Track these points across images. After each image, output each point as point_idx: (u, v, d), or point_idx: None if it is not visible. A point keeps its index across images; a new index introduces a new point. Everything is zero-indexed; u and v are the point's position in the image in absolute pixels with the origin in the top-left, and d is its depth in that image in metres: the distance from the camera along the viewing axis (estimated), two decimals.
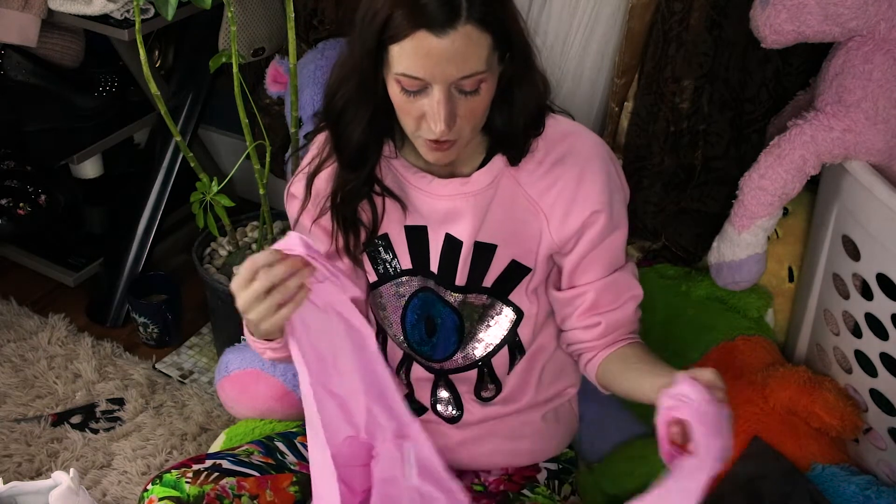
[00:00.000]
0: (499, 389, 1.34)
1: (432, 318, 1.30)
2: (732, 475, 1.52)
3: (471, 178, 1.22)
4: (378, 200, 1.25)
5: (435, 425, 1.37)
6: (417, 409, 1.36)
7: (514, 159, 1.21)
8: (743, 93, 1.71)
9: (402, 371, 1.36)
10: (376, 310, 1.34)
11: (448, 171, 1.23)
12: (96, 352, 2.02)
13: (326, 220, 1.27)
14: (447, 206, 1.22)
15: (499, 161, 1.22)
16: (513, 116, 1.18)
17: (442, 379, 1.34)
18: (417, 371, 1.35)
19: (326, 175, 1.26)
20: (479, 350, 1.31)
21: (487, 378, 1.34)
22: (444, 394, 1.35)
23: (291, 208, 1.31)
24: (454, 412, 1.36)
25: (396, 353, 1.35)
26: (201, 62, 1.94)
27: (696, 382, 1.00)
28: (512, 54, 1.13)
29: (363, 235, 1.27)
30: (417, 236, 1.26)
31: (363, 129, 1.17)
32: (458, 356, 1.32)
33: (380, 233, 1.27)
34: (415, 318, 1.31)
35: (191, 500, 1.21)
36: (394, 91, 1.11)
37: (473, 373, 1.33)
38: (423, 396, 1.37)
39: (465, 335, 1.30)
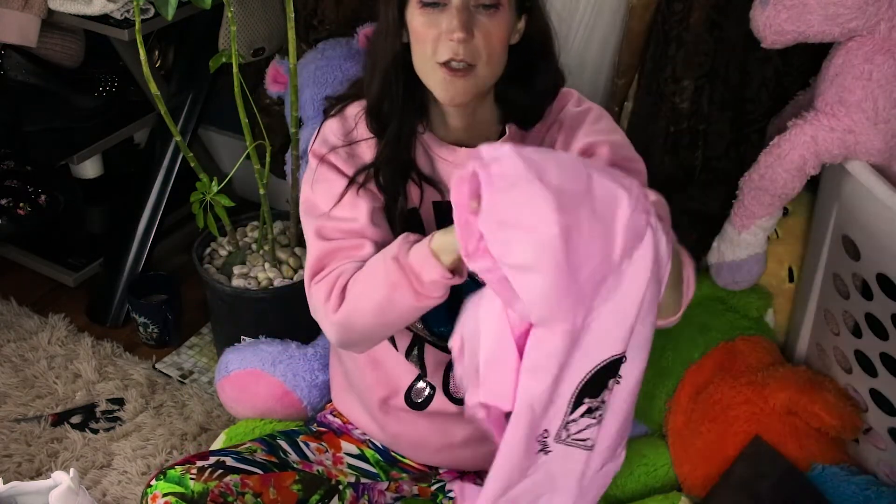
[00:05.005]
0: None
1: (459, 295, 1.29)
2: (732, 475, 1.52)
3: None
4: (413, 184, 1.28)
5: (441, 422, 1.36)
6: (429, 393, 1.35)
7: (527, 123, 1.27)
8: (743, 93, 1.71)
9: (412, 354, 1.34)
10: None
11: (471, 143, 1.25)
12: (96, 352, 2.02)
13: (371, 182, 1.28)
14: None
15: (514, 130, 1.27)
16: (528, 87, 1.25)
17: None
18: (431, 353, 1.34)
19: (368, 146, 1.28)
20: None
21: None
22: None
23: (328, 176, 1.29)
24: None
25: (405, 337, 1.34)
26: (201, 62, 1.94)
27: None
28: (530, 15, 1.21)
29: (400, 206, 1.28)
30: (444, 211, 1.27)
31: (400, 92, 1.22)
32: None
33: (409, 206, 1.28)
34: None
35: (195, 497, 1.21)
36: (415, 20, 1.17)
37: None
38: (436, 378, 1.35)
39: None
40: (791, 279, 1.73)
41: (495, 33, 1.16)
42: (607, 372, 1.00)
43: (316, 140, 1.30)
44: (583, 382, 1.00)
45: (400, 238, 1.17)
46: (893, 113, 1.44)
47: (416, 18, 1.16)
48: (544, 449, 1.04)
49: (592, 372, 0.99)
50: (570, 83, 1.80)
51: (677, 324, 1.70)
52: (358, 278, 1.19)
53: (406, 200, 1.27)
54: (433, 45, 1.15)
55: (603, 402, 1.02)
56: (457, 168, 1.24)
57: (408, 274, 1.12)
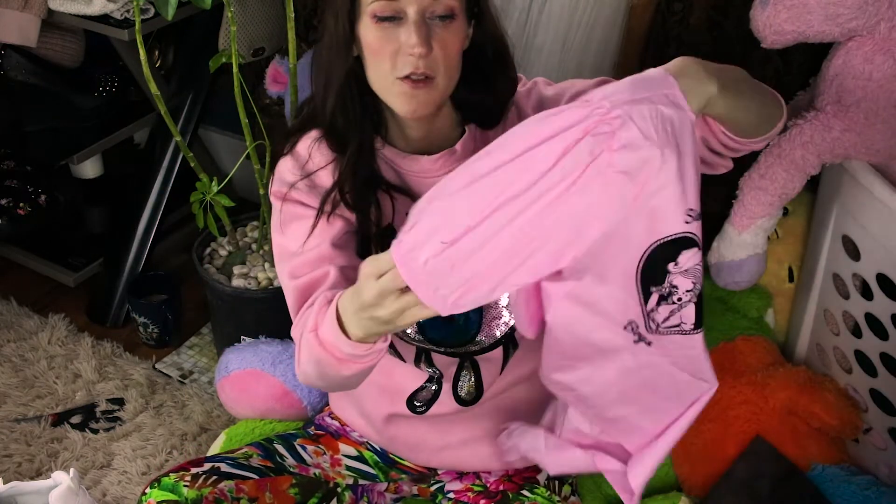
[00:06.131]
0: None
1: None
2: (732, 475, 1.52)
3: (457, 148, 1.23)
4: (385, 199, 1.25)
5: (439, 424, 1.36)
6: (433, 396, 1.34)
7: (489, 124, 1.25)
8: None
9: (421, 361, 1.33)
10: None
11: (434, 150, 1.24)
12: (96, 352, 2.02)
13: (340, 209, 1.25)
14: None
15: (474, 130, 1.26)
16: (486, 89, 1.23)
17: (467, 360, 1.33)
18: (438, 359, 1.33)
19: (326, 173, 1.26)
20: (501, 327, 1.30)
21: (512, 350, 1.32)
22: (465, 374, 1.34)
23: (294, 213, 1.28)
24: (474, 393, 1.34)
25: (409, 349, 1.33)
26: (201, 62, 1.94)
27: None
28: (479, 21, 1.20)
29: (375, 221, 1.26)
30: None
31: (357, 107, 1.21)
32: (481, 336, 1.30)
33: (384, 223, 1.26)
34: None
35: None
36: (369, 34, 1.14)
37: (499, 351, 1.31)
38: (447, 380, 1.34)
39: (485, 313, 1.29)
40: (791, 279, 1.73)
41: (451, 44, 1.15)
42: (662, 258, 0.99)
43: (274, 182, 1.28)
44: (639, 272, 0.99)
45: (318, 301, 1.13)
46: (893, 113, 1.44)
47: (371, 33, 1.14)
48: (642, 339, 1.02)
49: (642, 260, 0.98)
50: None
51: None
52: (301, 341, 1.16)
53: (381, 215, 1.25)
54: (391, 60, 1.13)
55: (673, 286, 1.00)
56: (423, 176, 1.24)
57: (327, 348, 1.08)
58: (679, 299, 1.01)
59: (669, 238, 0.98)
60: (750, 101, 1.13)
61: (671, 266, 1.00)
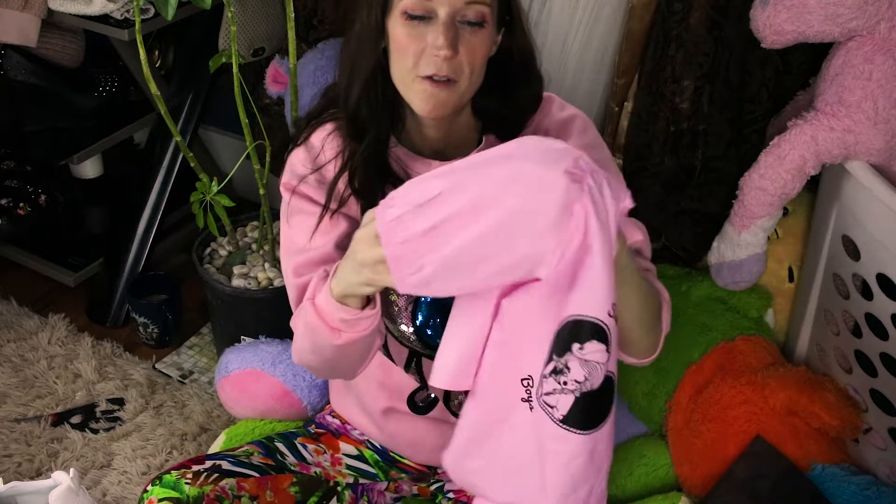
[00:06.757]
0: None
1: (449, 306, 1.28)
2: (732, 475, 1.52)
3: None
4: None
5: (440, 424, 1.36)
6: (434, 398, 1.35)
7: (507, 135, 1.23)
8: (743, 93, 1.71)
9: (411, 367, 1.33)
10: (383, 307, 1.33)
11: (449, 155, 1.24)
12: (96, 352, 2.02)
13: (346, 207, 1.26)
14: None
15: (493, 140, 1.25)
16: (507, 99, 1.23)
17: None
18: (430, 365, 1.32)
19: (335, 165, 1.26)
20: None
21: None
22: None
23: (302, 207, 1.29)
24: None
25: (402, 351, 1.33)
26: (201, 62, 1.94)
27: None
28: (509, 29, 1.20)
29: None
30: None
31: (380, 99, 1.21)
32: None
33: None
34: (428, 311, 1.29)
35: (190, 501, 1.21)
36: (398, 30, 1.14)
37: None
38: (437, 389, 1.32)
39: None
40: (791, 279, 1.73)
41: (478, 49, 1.15)
42: (573, 333, 0.98)
43: (285, 172, 1.28)
44: (554, 333, 0.99)
45: (318, 273, 1.16)
46: (893, 113, 1.44)
47: (399, 28, 1.14)
48: (529, 402, 1.03)
49: (562, 324, 0.99)
50: (570, 83, 1.81)
51: (677, 324, 1.71)
52: (295, 318, 1.19)
53: None
54: (415, 58, 1.14)
55: (566, 366, 0.99)
56: None
57: (322, 315, 1.12)
58: (565, 383, 1.00)
59: (588, 318, 0.98)
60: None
61: (575, 347, 0.99)
